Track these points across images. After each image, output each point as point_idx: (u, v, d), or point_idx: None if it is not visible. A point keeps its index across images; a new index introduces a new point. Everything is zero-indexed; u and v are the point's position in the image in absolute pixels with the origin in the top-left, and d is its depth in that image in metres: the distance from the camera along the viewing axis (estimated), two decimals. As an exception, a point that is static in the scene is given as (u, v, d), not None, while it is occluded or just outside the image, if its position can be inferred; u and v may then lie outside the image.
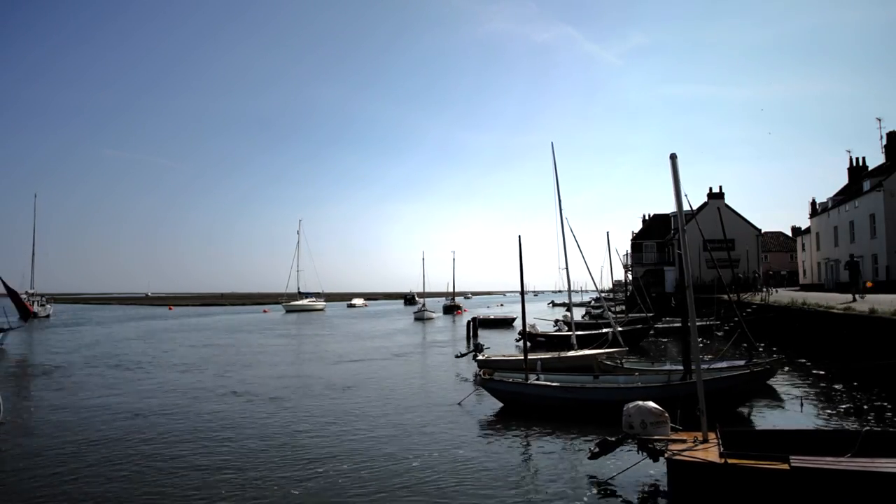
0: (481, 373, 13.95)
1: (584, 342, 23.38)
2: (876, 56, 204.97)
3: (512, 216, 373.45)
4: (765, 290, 37.55)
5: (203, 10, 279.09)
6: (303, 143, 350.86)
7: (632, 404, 8.07)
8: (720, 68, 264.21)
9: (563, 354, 19.42)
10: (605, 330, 26.05)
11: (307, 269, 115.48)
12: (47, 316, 62.95)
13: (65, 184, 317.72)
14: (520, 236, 15.24)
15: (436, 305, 71.10)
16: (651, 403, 7.99)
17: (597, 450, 8.28)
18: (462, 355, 20.53)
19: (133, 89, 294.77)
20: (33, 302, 62.82)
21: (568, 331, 31.30)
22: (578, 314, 49.59)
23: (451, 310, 68.01)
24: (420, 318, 55.68)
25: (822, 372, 17.43)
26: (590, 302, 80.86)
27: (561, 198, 22.76)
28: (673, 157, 8.15)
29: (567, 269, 22.86)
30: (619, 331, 23.00)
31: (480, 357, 18.68)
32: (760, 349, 17.83)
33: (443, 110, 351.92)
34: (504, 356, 20.62)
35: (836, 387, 15.29)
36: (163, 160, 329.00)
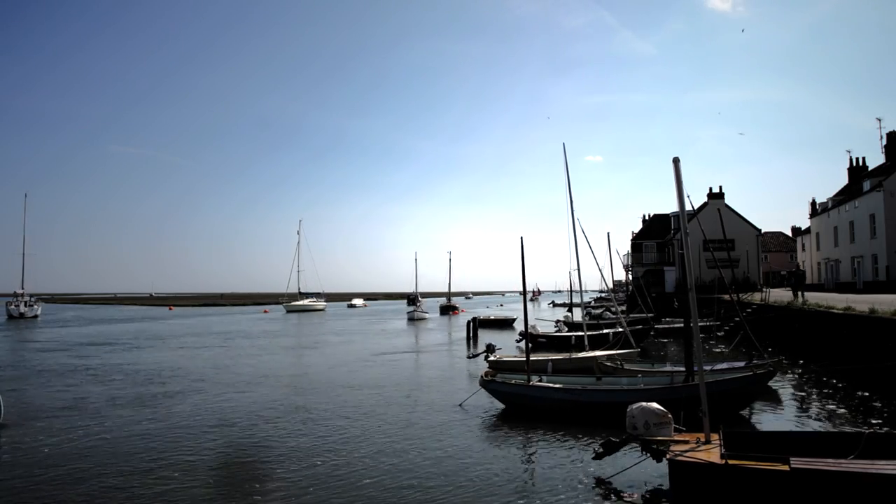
0: (483, 374, 13.99)
1: (589, 343, 23.37)
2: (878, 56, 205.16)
3: (515, 217, 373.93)
4: (764, 289, 37.66)
5: (214, 8, 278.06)
6: (309, 145, 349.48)
7: (636, 405, 8.14)
8: (724, 71, 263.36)
9: (574, 355, 19.19)
10: (606, 331, 26.07)
11: (308, 270, 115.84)
12: (35, 317, 62.61)
13: (69, 182, 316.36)
14: (521, 238, 15.24)
15: (436, 306, 71.15)
16: (655, 405, 8.06)
17: (601, 450, 8.35)
18: (475, 356, 20.52)
19: (139, 87, 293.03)
20: (20, 303, 63.09)
21: (568, 331, 31.47)
22: (578, 315, 49.62)
23: (448, 310, 68.06)
24: (412, 318, 56.02)
25: (821, 372, 17.48)
26: (590, 302, 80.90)
27: (573, 198, 22.84)
28: (676, 161, 8.22)
29: (579, 269, 22.89)
30: (617, 331, 22.99)
31: (492, 358, 18.67)
32: (770, 353, 17.81)
33: (447, 111, 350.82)
34: (516, 357, 20.59)
35: (837, 388, 15.35)
36: (170, 157, 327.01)
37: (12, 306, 62.30)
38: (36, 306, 64.85)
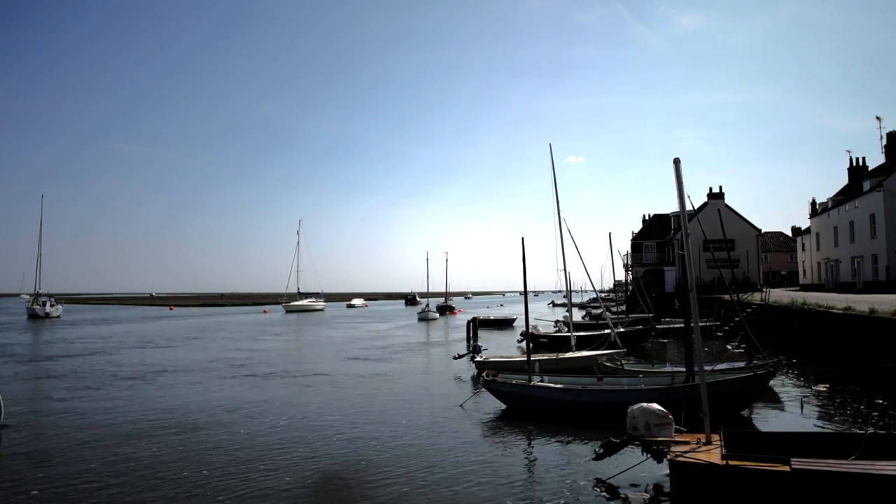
0: (485, 374, 14.00)
1: (584, 343, 23.45)
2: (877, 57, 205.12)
3: (515, 218, 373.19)
4: (764, 289, 37.70)
5: (214, 11, 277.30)
6: (309, 148, 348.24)
7: (636, 406, 8.14)
8: (723, 71, 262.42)
9: (561, 356, 19.36)
10: (605, 331, 26.08)
11: (307, 270, 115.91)
12: (58, 316, 64.13)
13: (71, 181, 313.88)
14: (523, 238, 15.24)
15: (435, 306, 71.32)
16: (655, 405, 8.06)
17: (601, 451, 8.34)
18: (460, 356, 20.56)
19: (142, 87, 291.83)
20: (44, 302, 64.33)
21: (568, 332, 31.45)
22: (578, 315, 49.63)
23: (445, 310, 68.81)
24: (424, 318, 56.93)
25: (821, 372, 17.48)
26: (590, 302, 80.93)
27: (559, 200, 22.89)
28: (676, 162, 8.23)
29: (566, 270, 22.98)
30: (619, 332, 23.04)
31: (479, 358, 18.69)
32: (776, 357, 17.78)
33: (447, 112, 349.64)
34: (502, 357, 20.64)
35: (838, 388, 15.36)
36: (174, 156, 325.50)
37: (37, 306, 63.45)
38: (59, 306, 66.85)
